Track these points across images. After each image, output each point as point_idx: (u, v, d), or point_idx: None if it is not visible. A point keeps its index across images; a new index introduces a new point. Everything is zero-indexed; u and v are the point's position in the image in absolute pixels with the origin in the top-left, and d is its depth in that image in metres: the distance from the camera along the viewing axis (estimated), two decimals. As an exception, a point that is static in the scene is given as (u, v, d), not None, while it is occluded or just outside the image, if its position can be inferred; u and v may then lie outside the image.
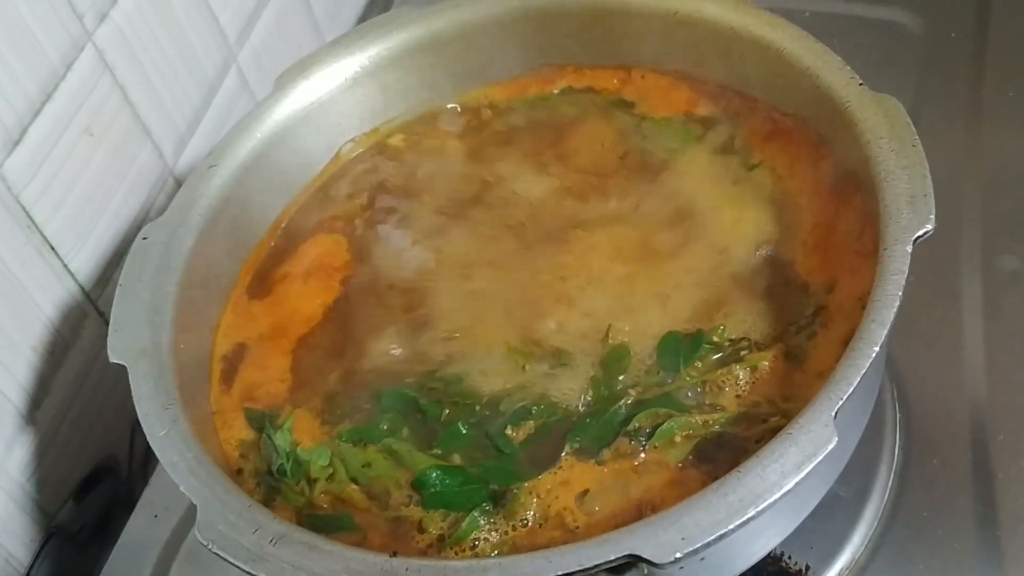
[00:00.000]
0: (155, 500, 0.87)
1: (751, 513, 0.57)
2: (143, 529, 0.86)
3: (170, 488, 0.67)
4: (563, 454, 0.70)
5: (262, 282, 0.86)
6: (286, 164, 0.89)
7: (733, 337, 0.73)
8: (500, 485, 0.69)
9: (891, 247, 0.66)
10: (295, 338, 0.82)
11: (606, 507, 0.66)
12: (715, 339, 0.73)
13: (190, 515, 0.83)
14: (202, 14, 1.01)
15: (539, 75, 0.94)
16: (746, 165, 0.83)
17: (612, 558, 0.57)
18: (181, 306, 0.77)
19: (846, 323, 0.71)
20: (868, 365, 0.61)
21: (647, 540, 0.57)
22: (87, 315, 0.91)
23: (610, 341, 0.75)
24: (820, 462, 0.58)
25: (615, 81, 0.92)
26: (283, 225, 0.89)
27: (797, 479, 0.58)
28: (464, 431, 0.72)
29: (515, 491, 0.68)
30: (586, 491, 0.67)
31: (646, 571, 0.59)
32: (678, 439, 0.69)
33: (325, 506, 0.71)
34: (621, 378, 0.73)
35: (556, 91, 0.93)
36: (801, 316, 0.73)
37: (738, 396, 0.70)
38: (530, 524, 0.67)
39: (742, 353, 0.72)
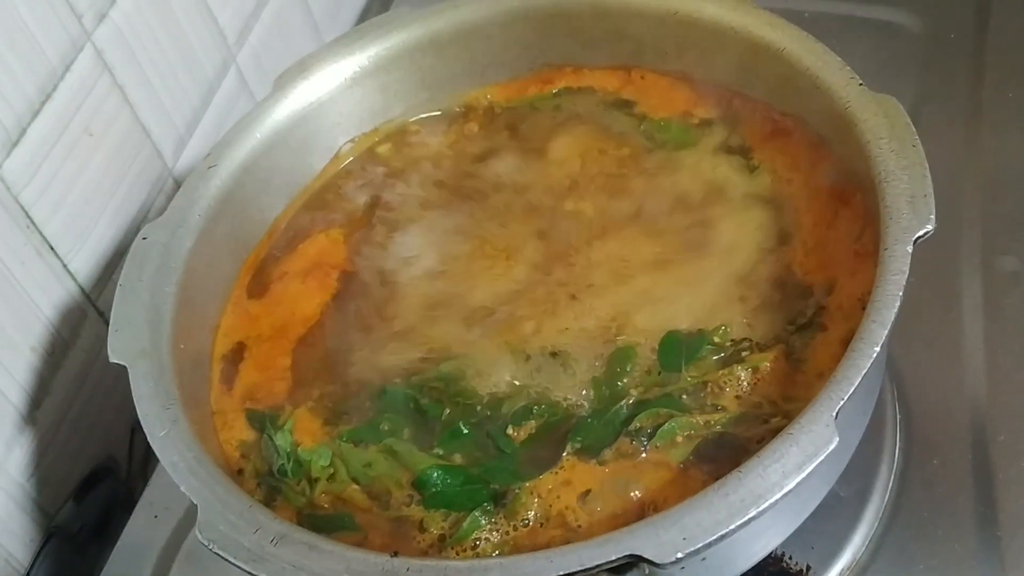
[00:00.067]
0: (155, 500, 0.87)
1: (752, 513, 0.57)
2: (143, 529, 0.86)
3: (170, 488, 0.67)
4: (564, 454, 0.69)
5: (261, 282, 0.86)
6: (285, 164, 0.89)
7: (734, 338, 0.73)
8: (501, 485, 0.69)
9: (891, 247, 0.66)
10: (295, 338, 0.82)
11: (607, 507, 0.66)
12: (716, 339, 0.73)
13: (190, 515, 0.83)
14: (201, 14, 1.00)
15: (539, 75, 0.94)
16: (746, 165, 0.83)
17: (613, 558, 0.57)
18: (181, 306, 0.77)
19: (846, 323, 0.71)
20: (869, 365, 0.61)
21: (648, 540, 0.57)
22: (87, 315, 0.91)
23: (617, 342, 0.75)
24: (821, 462, 0.58)
25: (615, 81, 0.92)
26: (282, 225, 0.89)
27: (798, 479, 0.58)
28: (465, 431, 0.72)
29: (516, 491, 0.68)
30: (587, 491, 0.67)
31: (647, 571, 0.59)
32: (679, 439, 0.69)
33: (326, 506, 0.71)
34: (624, 380, 0.73)
35: (555, 91, 0.93)
36: (801, 316, 0.73)
37: (739, 396, 0.70)
38: (531, 524, 0.67)
39: (743, 354, 0.72)
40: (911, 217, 0.67)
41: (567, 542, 0.59)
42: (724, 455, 0.67)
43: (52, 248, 0.86)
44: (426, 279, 0.83)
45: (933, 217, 0.67)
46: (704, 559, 0.61)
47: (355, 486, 0.71)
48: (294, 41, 1.15)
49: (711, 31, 0.85)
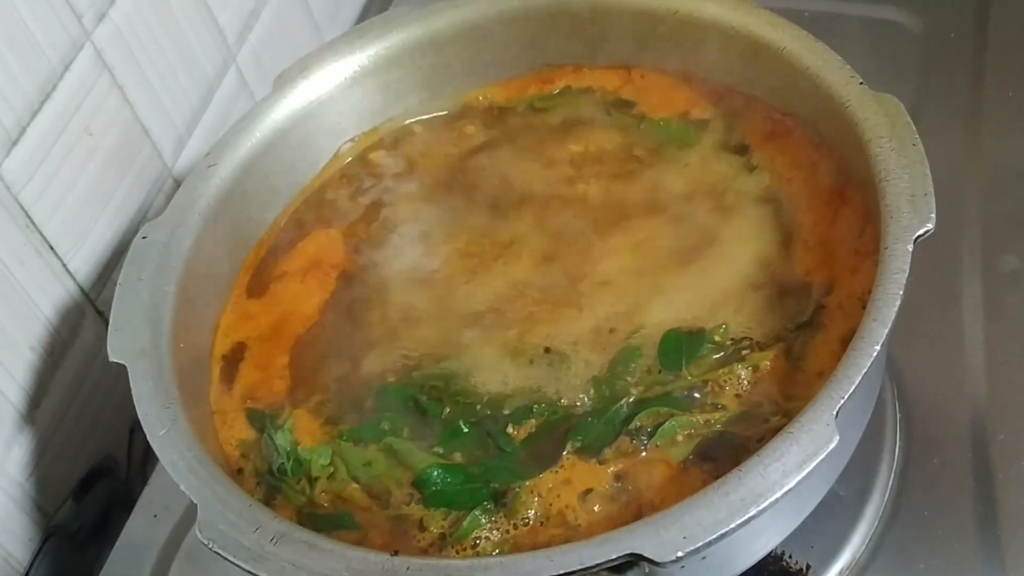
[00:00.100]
0: (154, 500, 0.87)
1: (752, 512, 0.57)
2: (142, 529, 0.86)
3: (169, 488, 0.67)
4: (564, 453, 0.69)
5: (260, 281, 0.86)
6: (285, 164, 0.89)
7: (734, 336, 0.73)
8: (501, 484, 0.68)
9: (892, 246, 0.66)
10: (294, 337, 0.82)
11: (607, 506, 0.66)
12: (716, 338, 0.73)
13: (189, 515, 0.83)
14: (201, 14, 1.00)
15: (539, 75, 0.94)
16: (746, 164, 0.83)
17: (613, 557, 0.57)
18: (180, 305, 0.77)
19: (846, 322, 0.71)
20: (869, 364, 0.61)
21: (648, 539, 0.57)
22: (86, 315, 0.91)
23: (617, 341, 0.75)
24: (821, 461, 0.58)
25: (615, 81, 0.92)
26: (282, 224, 0.89)
27: (798, 478, 0.58)
28: (465, 430, 0.72)
29: (516, 490, 0.68)
30: (588, 490, 0.67)
31: (647, 570, 0.59)
32: (679, 438, 0.69)
33: (326, 505, 0.71)
34: (626, 379, 0.73)
35: (556, 91, 0.93)
36: (802, 315, 0.73)
37: (739, 395, 0.70)
38: (531, 523, 0.67)
39: (743, 352, 0.72)
40: (911, 216, 0.67)
41: (567, 541, 0.59)
42: (724, 454, 0.67)
43: (52, 247, 0.86)
44: (426, 279, 0.83)
45: (933, 216, 0.67)
46: (704, 558, 0.61)
47: (355, 485, 0.71)
48: (294, 41, 1.15)
49: (711, 30, 0.85)
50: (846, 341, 0.64)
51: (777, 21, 0.82)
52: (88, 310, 0.91)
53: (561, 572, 0.57)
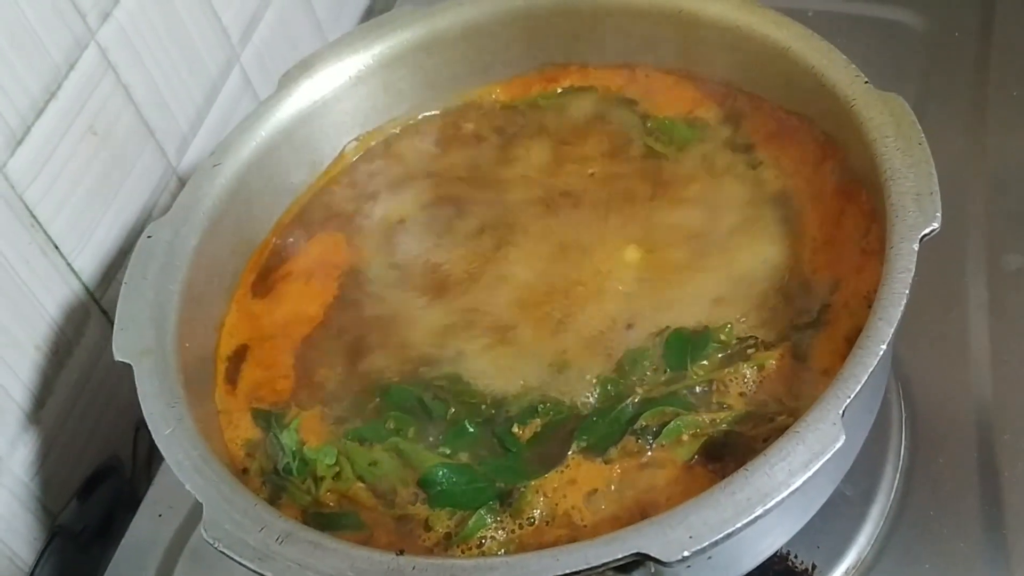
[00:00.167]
0: (159, 499, 0.87)
1: (759, 512, 0.57)
2: (147, 528, 0.86)
3: (174, 487, 0.67)
4: (570, 453, 0.69)
5: (265, 281, 0.86)
6: (290, 163, 0.89)
7: (740, 335, 0.73)
8: (507, 483, 0.68)
9: (897, 245, 0.66)
10: (299, 337, 0.82)
11: (613, 506, 0.66)
12: (722, 337, 0.73)
13: (194, 514, 0.83)
14: (205, 13, 1.00)
15: (543, 74, 0.94)
16: (751, 164, 0.83)
17: (619, 556, 0.57)
18: (186, 304, 0.77)
19: (851, 321, 0.71)
20: (876, 363, 0.61)
21: (655, 539, 0.57)
22: (91, 314, 0.91)
23: (623, 340, 0.74)
24: (827, 461, 0.58)
25: (619, 80, 0.91)
26: (286, 224, 0.89)
27: (805, 477, 0.58)
28: (471, 429, 0.72)
29: (522, 490, 0.68)
30: (593, 490, 0.67)
31: (653, 570, 0.59)
32: (685, 438, 0.68)
33: (331, 504, 0.71)
34: (631, 379, 0.73)
35: (559, 90, 0.93)
36: (807, 314, 0.73)
37: (745, 394, 0.70)
38: (537, 522, 0.67)
39: (749, 351, 0.72)
40: (917, 215, 0.67)
41: (573, 541, 0.59)
42: (730, 453, 0.67)
43: (56, 247, 0.86)
44: (430, 279, 0.83)
45: (939, 215, 0.66)
46: (710, 558, 0.61)
47: (360, 484, 0.71)
48: (297, 40, 1.15)
49: (715, 29, 0.85)
50: (852, 340, 0.64)
51: (781, 20, 0.82)
52: (93, 309, 0.91)
53: (567, 572, 0.57)
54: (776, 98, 0.84)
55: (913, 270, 0.64)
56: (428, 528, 0.68)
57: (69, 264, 0.88)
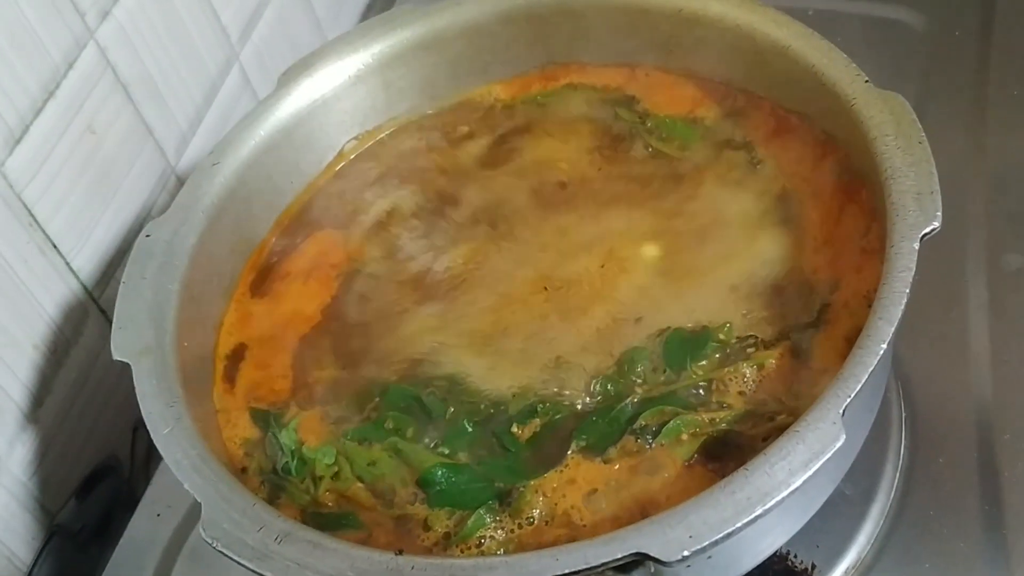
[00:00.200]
0: (157, 499, 0.87)
1: (759, 511, 0.57)
2: (145, 528, 0.86)
3: (172, 487, 0.67)
4: (569, 452, 0.69)
5: (264, 280, 0.86)
6: (289, 162, 0.89)
7: (739, 335, 0.73)
8: (506, 483, 0.68)
9: (898, 244, 0.66)
10: (297, 336, 0.82)
11: (612, 505, 0.66)
12: (721, 337, 0.73)
13: (193, 514, 0.83)
14: (204, 12, 1.00)
15: (543, 72, 0.94)
16: (751, 163, 0.83)
17: (619, 556, 0.57)
18: (184, 304, 0.77)
19: (851, 320, 0.71)
20: (876, 362, 0.61)
21: (654, 538, 0.57)
22: (89, 313, 0.91)
23: (622, 340, 0.74)
24: (828, 460, 0.58)
25: (619, 79, 0.91)
26: (285, 223, 0.89)
27: (805, 477, 0.58)
28: (469, 429, 0.72)
29: (521, 489, 0.68)
30: (593, 489, 0.67)
31: (653, 570, 0.59)
32: (684, 437, 0.68)
33: (330, 504, 0.71)
34: (631, 378, 0.72)
35: (560, 88, 0.93)
36: (807, 313, 0.73)
37: (744, 394, 0.70)
38: (536, 522, 0.67)
39: (748, 351, 0.72)
40: (918, 214, 0.67)
41: (572, 541, 0.59)
42: (729, 453, 0.67)
43: (55, 246, 0.86)
44: (429, 278, 0.83)
45: (940, 214, 0.66)
46: (710, 557, 0.61)
47: (359, 484, 0.71)
48: (297, 39, 1.15)
49: (716, 28, 0.84)
50: (852, 339, 0.64)
51: (782, 19, 0.82)
52: (91, 308, 0.91)
53: (566, 571, 0.57)
54: (776, 97, 0.84)
55: (914, 269, 0.64)
56: (427, 528, 0.68)
57: (67, 263, 0.88)
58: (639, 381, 0.72)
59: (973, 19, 1.09)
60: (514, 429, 0.72)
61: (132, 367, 0.72)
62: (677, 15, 0.86)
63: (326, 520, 0.69)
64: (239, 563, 0.61)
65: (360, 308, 0.83)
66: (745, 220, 0.79)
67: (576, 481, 0.68)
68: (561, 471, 0.69)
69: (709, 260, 0.78)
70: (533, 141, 0.90)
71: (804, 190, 0.80)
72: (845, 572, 0.76)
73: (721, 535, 0.56)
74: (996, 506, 0.76)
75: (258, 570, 0.60)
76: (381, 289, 0.84)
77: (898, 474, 0.79)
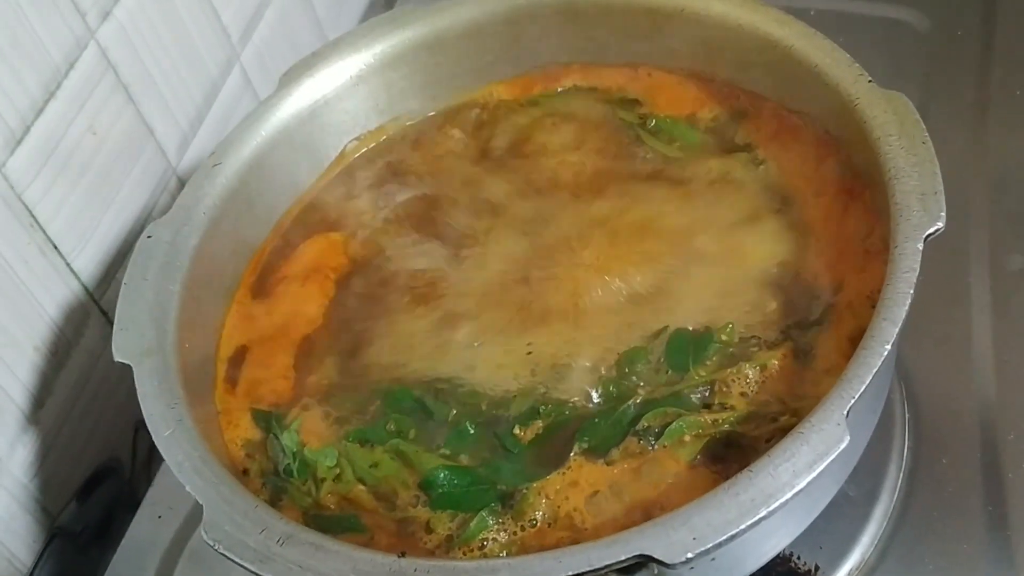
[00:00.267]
0: (159, 500, 0.87)
1: (763, 513, 0.57)
2: (147, 530, 0.85)
3: (174, 488, 0.67)
4: (572, 454, 0.69)
5: (265, 282, 0.86)
6: (290, 163, 0.89)
7: (742, 335, 0.73)
8: (508, 485, 0.68)
9: (902, 245, 0.66)
10: (298, 338, 0.82)
11: (615, 507, 0.66)
12: (723, 337, 0.72)
13: (194, 516, 0.83)
14: (204, 12, 1.00)
15: (545, 73, 0.93)
16: (753, 163, 0.83)
17: (622, 558, 0.57)
18: (186, 305, 0.77)
19: (854, 321, 0.70)
20: (880, 363, 0.61)
21: (658, 540, 0.57)
22: (90, 314, 0.90)
23: (624, 341, 0.74)
24: (832, 461, 0.58)
25: (621, 79, 0.91)
26: (287, 224, 0.89)
27: (809, 478, 0.57)
28: (471, 431, 0.72)
29: (524, 491, 0.68)
30: (595, 491, 0.67)
31: (656, 571, 0.59)
32: (687, 438, 0.68)
33: (332, 506, 0.71)
34: (632, 379, 0.72)
35: (561, 89, 0.93)
36: (810, 314, 0.73)
37: (747, 395, 0.70)
38: (539, 524, 0.67)
39: (751, 351, 0.72)
40: (921, 214, 0.66)
41: (575, 543, 0.59)
42: (732, 454, 0.67)
43: (55, 247, 0.86)
44: (430, 279, 0.83)
45: (944, 215, 0.66)
46: (713, 559, 0.61)
47: (361, 487, 0.71)
48: (297, 39, 1.15)
49: (718, 28, 0.84)
50: (855, 340, 0.64)
51: (784, 19, 0.82)
52: (92, 310, 0.91)
53: (570, 574, 0.57)
54: (779, 97, 0.84)
55: (918, 270, 0.64)
56: (429, 530, 0.68)
57: (68, 264, 0.87)
58: (640, 382, 0.72)
59: (975, 19, 1.09)
60: (516, 431, 0.71)
61: (133, 368, 0.71)
62: (679, 15, 0.86)
63: (328, 522, 0.68)
64: (241, 565, 0.61)
65: (361, 309, 0.83)
66: (748, 221, 0.79)
67: (579, 483, 0.68)
68: (564, 473, 0.68)
69: (711, 261, 0.78)
70: (535, 142, 0.90)
71: (807, 190, 0.79)
72: (849, 574, 0.75)
73: (725, 537, 0.56)
74: (1000, 507, 0.76)
75: (260, 572, 0.60)
76: (382, 290, 0.83)
77: (901, 475, 0.79)
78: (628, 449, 0.69)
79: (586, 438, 0.70)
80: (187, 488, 0.65)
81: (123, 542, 0.86)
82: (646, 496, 0.66)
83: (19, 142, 0.81)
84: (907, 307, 0.63)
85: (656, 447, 0.68)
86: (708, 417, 0.69)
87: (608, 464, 0.68)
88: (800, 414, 0.62)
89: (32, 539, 0.87)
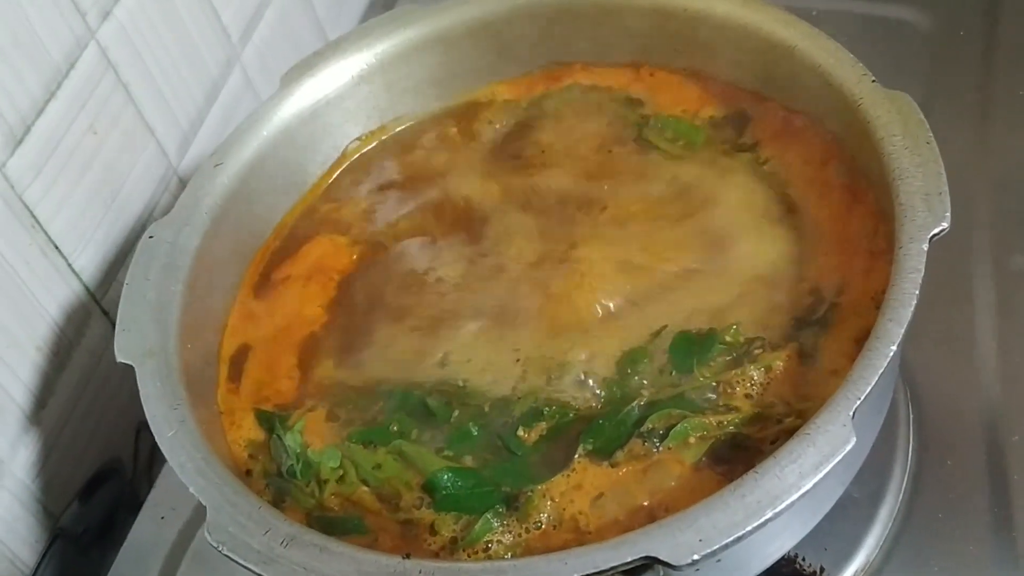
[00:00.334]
0: (161, 501, 0.87)
1: (769, 514, 0.57)
2: (149, 531, 0.85)
3: (176, 489, 0.67)
4: (576, 456, 0.69)
5: (267, 282, 0.85)
6: (292, 163, 0.89)
7: (746, 337, 0.72)
8: (513, 487, 0.68)
9: (907, 245, 0.65)
10: (300, 339, 0.82)
11: (620, 509, 0.66)
12: (728, 339, 0.72)
13: (197, 516, 0.83)
14: (205, 12, 1.00)
15: (547, 72, 0.93)
16: (757, 163, 0.83)
17: (628, 560, 0.56)
18: (188, 305, 0.77)
19: (859, 322, 0.70)
20: (885, 364, 0.61)
21: (664, 542, 0.57)
22: (92, 315, 0.90)
23: (628, 342, 0.74)
24: (837, 463, 0.58)
25: (624, 79, 0.91)
26: (289, 224, 0.89)
27: (815, 480, 0.57)
28: (475, 432, 0.72)
29: (528, 493, 0.67)
30: (600, 494, 0.67)
31: (662, 573, 0.59)
32: (692, 440, 0.68)
33: (335, 508, 0.70)
34: (636, 380, 0.72)
35: (564, 88, 0.92)
36: (814, 315, 0.73)
37: (752, 396, 0.70)
38: (544, 526, 0.66)
39: (755, 353, 0.71)
40: (926, 215, 0.66)
41: (580, 544, 0.59)
42: (737, 455, 0.67)
43: (56, 247, 0.86)
44: (431, 281, 0.83)
45: (948, 215, 0.66)
46: (719, 561, 0.61)
47: (365, 488, 0.71)
48: (298, 39, 1.15)
49: (721, 28, 0.84)
50: (860, 341, 0.64)
51: (788, 18, 0.81)
52: (94, 310, 0.90)
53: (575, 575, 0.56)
54: (782, 97, 0.83)
55: (923, 270, 0.64)
56: (434, 532, 0.67)
57: (69, 264, 0.87)
58: (644, 383, 0.72)
59: (978, 19, 1.08)
60: (520, 432, 0.71)
61: (135, 369, 0.71)
62: (682, 14, 0.86)
63: (331, 524, 0.68)
64: (245, 567, 0.61)
65: (363, 310, 0.82)
66: (751, 221, 0.79)
67: (583, 486, 0.67)
68: (568, 475, 0.68)
69: (715, 261, 0.78)
70: (537, 142, 0.90)
71: (811, 191, 0.79)
72: (854, 575, 0.75)
73: (731, 539, 0.56)
74: (1005, 508, 0.76)
75: (264, 574, 0.60)
76: (384, 291, 0.83)
77: (906, 476, 0.79)
78: (633, 451, 0.68)
79: (590, 440, 0.69)
80: (190, 489, 0.65)
81: (126, 543, 0.85)
82: (651, 498, 0.66)
83: (20, 142, 0.81)
84: (912, 308, 0.62)
85: (661, 449, 0.68)
86: (713, 419, 0.68)
87: (612, 466, 0.68)
88: (805, 415, 0.62)
89: (34, 540, 0.86)
